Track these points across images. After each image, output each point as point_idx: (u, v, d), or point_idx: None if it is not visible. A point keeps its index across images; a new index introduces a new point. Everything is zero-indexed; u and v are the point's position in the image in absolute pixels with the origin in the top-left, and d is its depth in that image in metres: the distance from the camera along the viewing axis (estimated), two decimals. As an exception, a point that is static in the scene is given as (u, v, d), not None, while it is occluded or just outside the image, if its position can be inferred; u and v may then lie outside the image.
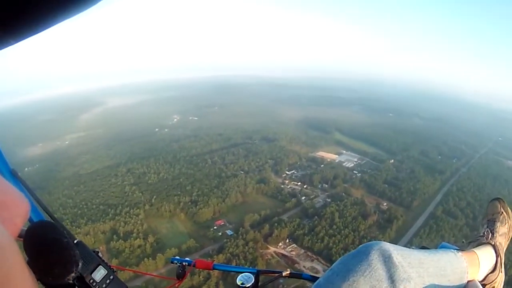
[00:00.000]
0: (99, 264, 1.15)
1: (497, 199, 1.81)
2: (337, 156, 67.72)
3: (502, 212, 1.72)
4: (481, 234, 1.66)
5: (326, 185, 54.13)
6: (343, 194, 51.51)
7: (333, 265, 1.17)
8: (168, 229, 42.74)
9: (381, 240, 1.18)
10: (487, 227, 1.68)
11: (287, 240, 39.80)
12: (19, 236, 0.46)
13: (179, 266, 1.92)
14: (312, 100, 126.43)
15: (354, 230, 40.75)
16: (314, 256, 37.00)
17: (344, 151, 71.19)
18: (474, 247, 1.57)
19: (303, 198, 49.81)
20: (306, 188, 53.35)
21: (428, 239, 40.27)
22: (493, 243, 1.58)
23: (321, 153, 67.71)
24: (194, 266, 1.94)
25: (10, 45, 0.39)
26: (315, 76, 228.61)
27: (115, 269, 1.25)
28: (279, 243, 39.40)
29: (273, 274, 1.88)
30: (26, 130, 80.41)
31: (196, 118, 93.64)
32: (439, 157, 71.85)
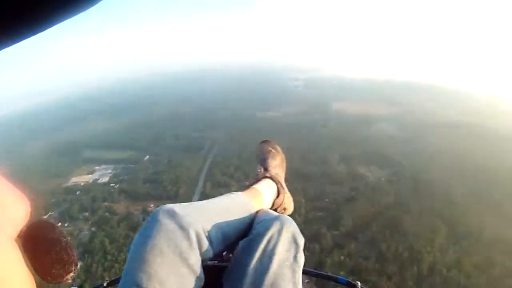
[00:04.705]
0: None
1: (263, 141, 1.93)
2: (90, 175, 59.52)
3: (271, 150, 1.83)
4: (257, 173, 1.74)
5: (87, 213, 47.19)
6: (107, 214, 44.88)
7: (134, 239, 1.12)
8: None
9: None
10: (260, 165, 1.77)
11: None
12: (18, 235, 0.41)
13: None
14: (52, 124, 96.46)
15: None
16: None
17: (97, 167, 62.90)
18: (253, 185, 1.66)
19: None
20: (67, 226, 44.28)
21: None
22: (269, 175, 1.69)
23: (74, 179, 58.71)
24: None
25: (9, 45, 0.38)
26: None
27: None
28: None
29: None
30: None
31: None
32: (194, 134, 69.26)
